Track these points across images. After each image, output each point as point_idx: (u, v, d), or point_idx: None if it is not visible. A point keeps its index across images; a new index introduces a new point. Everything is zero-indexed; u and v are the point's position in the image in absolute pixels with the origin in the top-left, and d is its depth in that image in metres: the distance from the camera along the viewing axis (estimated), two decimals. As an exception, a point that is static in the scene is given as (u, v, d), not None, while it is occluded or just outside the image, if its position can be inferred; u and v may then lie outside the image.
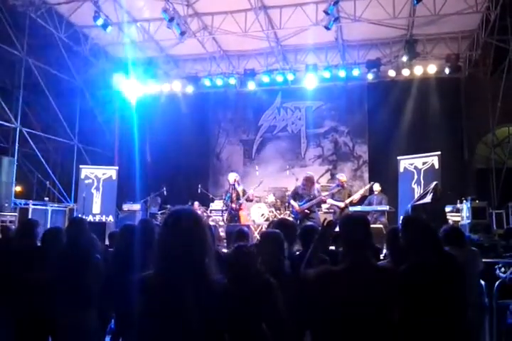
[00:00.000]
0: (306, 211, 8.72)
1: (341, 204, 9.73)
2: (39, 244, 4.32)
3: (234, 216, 9.67)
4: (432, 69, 12.28)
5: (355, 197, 9.86)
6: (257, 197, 11.39)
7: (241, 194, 9.69)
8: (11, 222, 9.77)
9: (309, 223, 4.40)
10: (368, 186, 10.68)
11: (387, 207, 9.78)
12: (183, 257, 2.02)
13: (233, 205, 9.62)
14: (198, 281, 1.99)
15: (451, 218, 9.10)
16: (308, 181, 8.97)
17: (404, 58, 11.69)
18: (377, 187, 10.45)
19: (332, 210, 10.29)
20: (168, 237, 2.10)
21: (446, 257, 2.99)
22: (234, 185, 9.79)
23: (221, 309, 2.03)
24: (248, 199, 9.85)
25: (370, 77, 12.36)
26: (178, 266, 2.01)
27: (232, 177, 9.89)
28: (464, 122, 12.67)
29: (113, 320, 4.24)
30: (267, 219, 11.03)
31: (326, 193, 9.59)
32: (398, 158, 11.32)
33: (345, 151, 13.78)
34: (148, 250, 3.81)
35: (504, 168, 11.15)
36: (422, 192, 8.76)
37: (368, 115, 13.49)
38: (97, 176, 12.46)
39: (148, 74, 13.41)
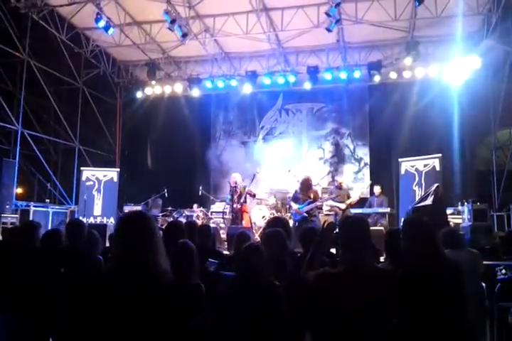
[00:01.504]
0: (305, 214, 8.70)
1: (342, 206, 9.75)
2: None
3: (235, 217, 9.68)
4: (433, 71, 12.28)
5: (354, 199, 9.90)
6: (258, 199, 11.38)
7: (243, 194, 9.71)
8: (12, 223, 9.77)
9: (309, 225, 4.40)
10: (366, 186, 10.67)
11: (388, 209, 9.79)
12: (131, 258, 2.22)
13: (237, 205, 9.62)
14: (146, 279, 2.20)
15: (452, 220, 9.09)
16: (303, 184, 8.91)
17: (409, 60, 11.68)
18: (377, 189, 10.46)
19: (333, 212, 10.30)
20: (118, 239, 2.36)
21: (446, 259, 2.98)
22: (236, 186, 9.80)
23: (174, 308, 2.26)
24: (250, 195, 9.84)
25: (376, 79, 12.33)
26: (126, 265, 2.22)
27: (232, 178, 9.92)
28: (465, 124, 12.65)
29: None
30: (267, 221, 11.02)
31: (326, 197, 9.60)
32: (399, 160, 11.32)
33: (347, 153, 13.78)
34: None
35: (505, 171, 11.12)
36: (423, 194, 8.76)
37: (369, 117, 13.50)
38: (98, 178, 12.47)
39: (150, 76, 13.43)
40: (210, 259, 3.64)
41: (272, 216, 9.18)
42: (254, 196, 10.11)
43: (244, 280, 2.90)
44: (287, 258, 3.37)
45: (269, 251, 3.18)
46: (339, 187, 10.16)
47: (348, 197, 9.97)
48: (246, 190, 9.75)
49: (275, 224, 3.80)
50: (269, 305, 2.81)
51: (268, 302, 2.81)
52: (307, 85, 12.98)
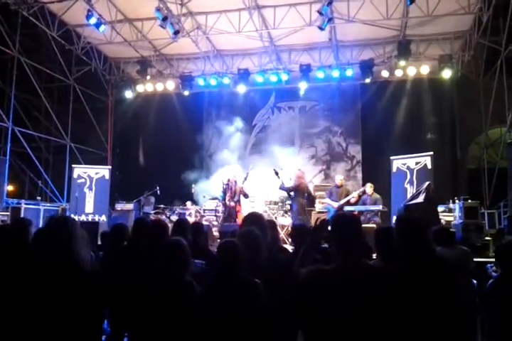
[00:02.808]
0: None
1: (335, 205, 9.81)
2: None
3: (229, 215, 9.67)
4: (424, 69, 12.36)
5: (349, 198, 9.96)
6: (251, 196, 11.38)
7: (237, 192, 9.71)
8: (3, 221, 9.71)
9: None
10: (362, 189, 10.61)
11: (379, 207, 9.82)
12: (56, 250, 2.83)
13: (230, 203, 9.62)
14: (66, 272, 2.74)
15: (444, 218, 9.13)
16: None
17: (401, 62, 11.77)
18: (368, 188, 10.47)
19: (326, 210, 10.34)
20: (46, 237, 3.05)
21: (437, 257, 3.00)
22: (228, 184, 9.80)
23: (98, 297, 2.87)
24: (243, 194, 9.85)
25: (367, 80, 12.39)
26: (49, 259, 2.79)
27: (226, 176, 9.93)
28: (456, 123, 12.74)
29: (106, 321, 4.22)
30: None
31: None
32: (391, 158, 11.36)
33: (339, 151, 13.82)
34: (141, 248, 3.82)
35: (496, 169, 11.21)
36: (414, 192, 8.80)
37: (362, 115, 13.54)
38: (89, 175, 12.39)
39: (142, 73, 13.37)
40: (196, 260, 3.62)
41: (249, 212, 9.23)
42: (246, 196, 10.11)
43: (223, 279, 2.90)
44: (262, 258, 3.32)
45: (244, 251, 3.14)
46: (338, 186, 10.26)
47: (347, 195, 10.01)
48: (240, 189, 9.75)
49: (251, 221, 3.74)
50: (250, 303, 2.80)
51: (248, 301, 2.81)
52: (302, 85, 13.02)
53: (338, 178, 10.45)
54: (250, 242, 3.25)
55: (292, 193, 9.50)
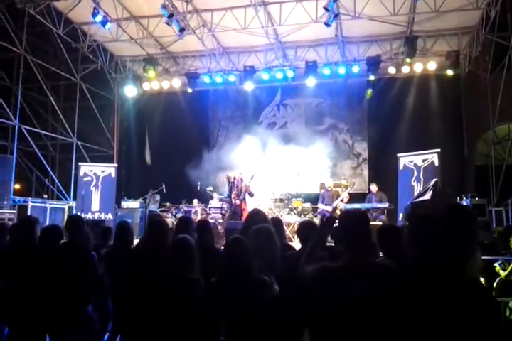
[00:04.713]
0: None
1: (329, 208, 9.91)
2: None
3: (235, 213, 9.66)
4: (431, 66, 12.25)
5: (342, 198, 10.01)
6: (258, 195, 11.36)
7: (243, 190, 9.70)
8: (9, 219, 9.74)
9: (306, 219, 4.36)
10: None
11: (386, 205, 9.79)
12: None
13: (236, 201, 9.62)
14: None
15: (451, 215, 9.06)
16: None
17: (408, 59, 11.69)
18: (374, 187, 10.45)
19: (321, 215, 10.38)
20: None
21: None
22: (234, 182, 9.79)
23: None
24: (248, 192, 9.85)
25: (373, 77, 12.33)
26: None
27: (232, 174, 9.92)
28: (464, 119, 12.65)
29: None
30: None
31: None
32: (398, 155, 11.31)
33: (345, 149, 13.75)
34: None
35: (504, 166, 11.12)
36: (421, 189, 8.75)
37: (368, 112, 13.46)
38: (96, 174, 12.42)
39: (148, 71, 13.36)
40: None
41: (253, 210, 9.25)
42: (251, 195, 10.10)
43: (229, 277, 2.87)
44: (277, 255, 3.31)
45: (258, 248, 3.12)
46: (328, 189, 10.46)
47: (338, 196, 10.12)
48: (245, 187, 9.75)
49: (256, 219, 3.74)
50: (257, 302, 2.78)
51: (256, 300, 2.78)
52: (309, 82, 12.92)
53: (328, 182, 10.61)
54: (265, 239, 3.24)
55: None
